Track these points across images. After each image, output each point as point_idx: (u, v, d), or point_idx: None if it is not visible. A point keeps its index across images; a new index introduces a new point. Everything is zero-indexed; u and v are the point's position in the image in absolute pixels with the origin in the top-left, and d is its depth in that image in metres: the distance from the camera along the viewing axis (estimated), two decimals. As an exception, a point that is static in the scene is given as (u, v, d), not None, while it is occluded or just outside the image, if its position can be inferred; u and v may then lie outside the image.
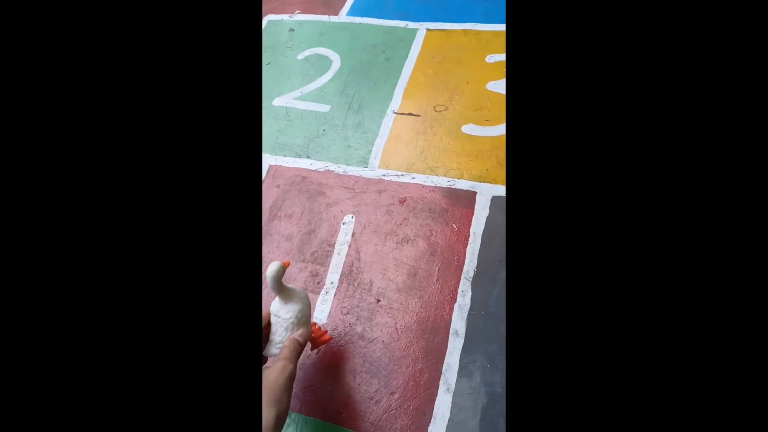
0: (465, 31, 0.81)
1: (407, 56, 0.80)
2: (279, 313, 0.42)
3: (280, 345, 0.42)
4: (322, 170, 0.68)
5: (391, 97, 0.74)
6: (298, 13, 0.94)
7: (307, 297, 0.45)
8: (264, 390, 0.35)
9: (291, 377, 0.38)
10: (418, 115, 0.71)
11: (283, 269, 0.41)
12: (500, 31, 0.79)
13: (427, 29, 0.83)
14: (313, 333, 0.46)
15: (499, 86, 0.72)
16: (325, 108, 0.76)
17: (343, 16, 0.90)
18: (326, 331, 0.50)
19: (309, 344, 0.48)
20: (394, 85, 0.76)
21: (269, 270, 0.40)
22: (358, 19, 0.89)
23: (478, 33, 0.80)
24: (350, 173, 0.67)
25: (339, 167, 0.68)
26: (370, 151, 0.69)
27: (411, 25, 0.85)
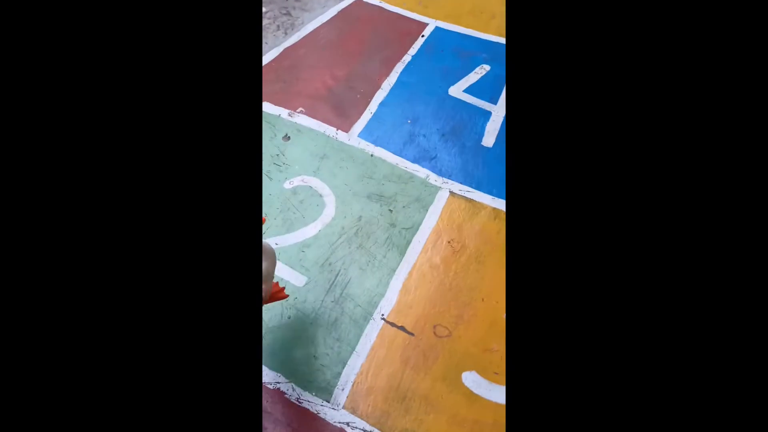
0: (494, 211, 0.65)
1: (419, 227, 0.63)
2: None
3: None
4: (271, 387, 0.52)
5: (385, 291, 0.58)
6: (301, 111, 0.76)
7: (274, 255, 0.46)
8: None
9: None
10: (412, 334, 0.55)
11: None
12: (538, 227, 0.64)
13: (451, 192, 0.67)
14: (272, 289, 0.48)
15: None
16: (300, 280, 0.59)
17: (353, 136, 0.73)
18: (283, 288, 0.49)
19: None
20: (393, 271, 0.60)
21: None
22: (371, 147, 0.72)
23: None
24: (305, 404, 0.51)
25: (294, 390, 0.52)
26: (340, 373, 0.52)
27: (433, 178, 0.68)
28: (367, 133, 0.73)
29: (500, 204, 0.65)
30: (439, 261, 0.60)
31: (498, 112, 0.75)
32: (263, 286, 0.46)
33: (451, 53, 0.84)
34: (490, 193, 0.66)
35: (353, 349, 0.54)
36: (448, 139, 0.72)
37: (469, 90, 0.78)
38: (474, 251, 0.61)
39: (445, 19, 0.91)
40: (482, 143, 0.71)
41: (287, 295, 0.52)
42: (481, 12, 0.92)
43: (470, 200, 0.66)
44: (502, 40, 0.86)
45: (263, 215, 0.47)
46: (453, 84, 0.79)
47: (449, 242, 0.62)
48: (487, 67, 0.82)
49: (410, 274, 0.59)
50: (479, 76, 0.80)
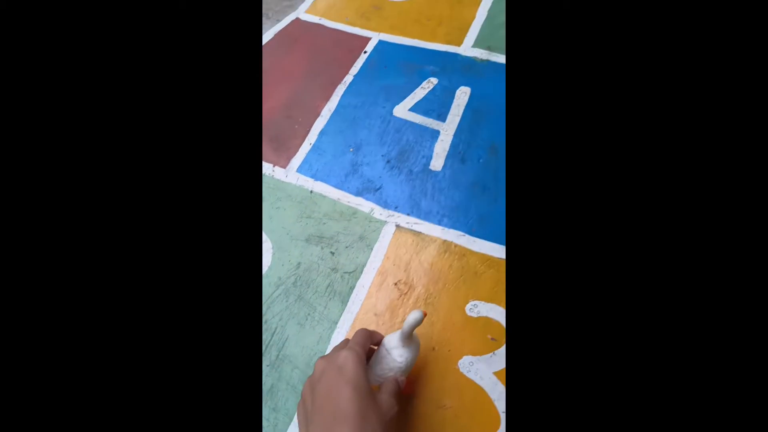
0: (444, 244, 0.59)
1: (363, 270, 0.58)
2: (392, 351, 0.42)
3: (379, 378, 0.42)
4: (201, 475, 0.47)
5: (325, 349, 0.52)
6: (237, 149, 0.71)
7: (419, 348, 0.44)
8: (379, 421, 0.35)
9: (396, 416, 0.38)
10: (356, 397, 0.50)
11: (422, 320, 0.41)
12: (495, 258, 0.58)
13: (397, 225, 0.61)
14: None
15: (477, 367, 0.50)
16: (231, 344, 0.54)
17: (291, 172, 0.68)
18: (411, 383, 0.48)
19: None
20: (335, 323, 0.54)
21: (413, 318, 0.40)
22: (310, 183, 0.66)
23: (463, 253, 0.58)
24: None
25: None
26: (277, 451, 0.47)
27: (378, 211, 0.63)
28: (306, 167, 0.68)
29: (450, 235, 0.59)
30: (385, 308, 0.55)
31: (446, 129, 0.70)
32: (404, 377, 0.42)
33: (395, 68, 0.78)
34: (439, 223, 0.60)
35: (291, 420, 0.49)
36: (394, 165, 0.67)
37: (415, 108, 0.73)
38: (423, 292, 0.55)
39: (390, 31, 0.85)
40: (430, 167, 0.66)
41: (411, 392, 0.48)
42: (427, 19, 0.86)
43: (418, 233, 0.60)
44: (450, 49, 0.80)
45: (425, 311, 0.44)
46: (398, 103, 0.73)
47: (395, 284, 0.56)
48: (435, 81, 0.76)
49: (353, 326, 0.54)
50: (426, 91, 0.75)
